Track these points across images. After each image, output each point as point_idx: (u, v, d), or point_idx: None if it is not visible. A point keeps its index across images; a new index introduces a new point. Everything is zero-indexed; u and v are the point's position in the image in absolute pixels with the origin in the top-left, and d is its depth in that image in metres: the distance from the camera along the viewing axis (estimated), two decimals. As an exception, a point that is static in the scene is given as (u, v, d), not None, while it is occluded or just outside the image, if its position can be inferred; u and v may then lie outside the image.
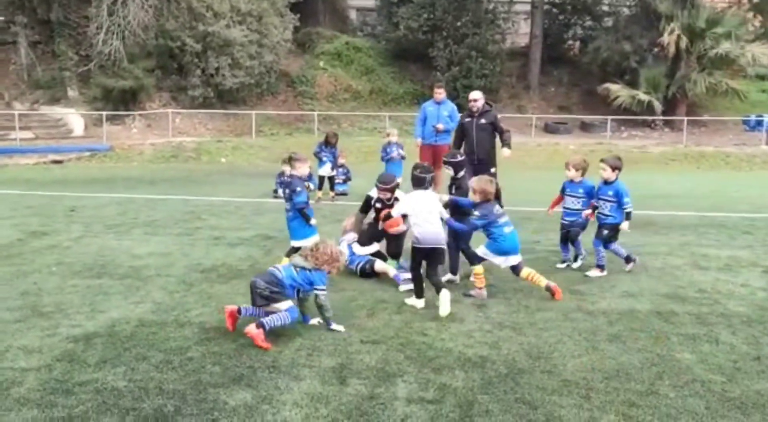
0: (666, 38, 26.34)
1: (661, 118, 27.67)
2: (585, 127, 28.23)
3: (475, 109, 9.48)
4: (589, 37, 31.18)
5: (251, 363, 4.36)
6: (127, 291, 6.06)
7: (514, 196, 11.25)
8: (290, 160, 7.05)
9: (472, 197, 6.11)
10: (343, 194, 12.83)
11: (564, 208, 7.24)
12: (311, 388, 4.00)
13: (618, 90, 27.31)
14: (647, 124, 28.07)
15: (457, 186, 6.62)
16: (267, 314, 4.86)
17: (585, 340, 4.87)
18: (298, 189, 6.45)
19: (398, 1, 29.57)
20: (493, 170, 9.10)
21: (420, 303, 5.71)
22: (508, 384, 4.09)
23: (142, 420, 3.59)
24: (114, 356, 4.47)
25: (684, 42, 26.40)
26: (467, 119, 9.61)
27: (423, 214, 5.76)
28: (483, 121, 9.43)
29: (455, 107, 12.25)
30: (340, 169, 12.97)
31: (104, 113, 22.89)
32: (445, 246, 5.90)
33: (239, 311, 4.99)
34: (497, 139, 9.74)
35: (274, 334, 4.88)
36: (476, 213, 6.01)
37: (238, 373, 4.21)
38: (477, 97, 9.58)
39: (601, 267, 6.81)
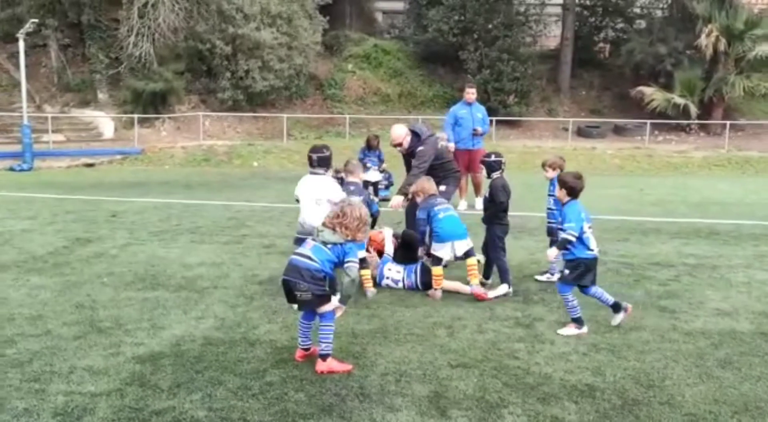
0: (703, 40, 25.64)
1: (697, 122, 26.97)
2: (618, 131, 27.60)
3: (403, 152, 7.32)
4: (620, 40, 30.54)
5: (337, 390, 4.00)
6: (185, 305, 5.73)
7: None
8: (346, 166, 6.84)
9: (419, 201, 6.35)
10: (386, 199, 12.44)
11: None
12: (410, 421, 3.62)
13: (652, 93, 26.63)
14: (682, 128, 27.38)
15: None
16: (312, 317, 4.44)
17: (694, 366, 4.45)
18: (373, 197, 6.15)
19: (427, 4, 29.18)
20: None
21: None
22: (627, 417, 3.69)
23: (233, 457, 3.24)
24: (187, 380, 4.13)
25: (722, 44, 25.72)
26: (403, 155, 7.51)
27: (305, 201, 5.84)
28: (413, 160, 7.17)
29: (485, 108, 11.92)
30: (383, 174, 12.60)
31: (136, 116, 22.74)
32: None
33: (306, 349, 4.51)
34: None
35: (353, 356, 4.52)
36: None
37: (326, 402, 3.84)
38: (398, 140, 7.13)
39: (576, 321, 5.09)
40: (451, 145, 11.38)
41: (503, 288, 6.09)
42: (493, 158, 6.49)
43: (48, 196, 13.10)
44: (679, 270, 7.12)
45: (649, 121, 25.52)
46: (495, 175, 6.36)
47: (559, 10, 30.36)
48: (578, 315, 5.10)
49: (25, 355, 4.51)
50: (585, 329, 5.09)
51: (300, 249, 4.37)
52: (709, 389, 4.08)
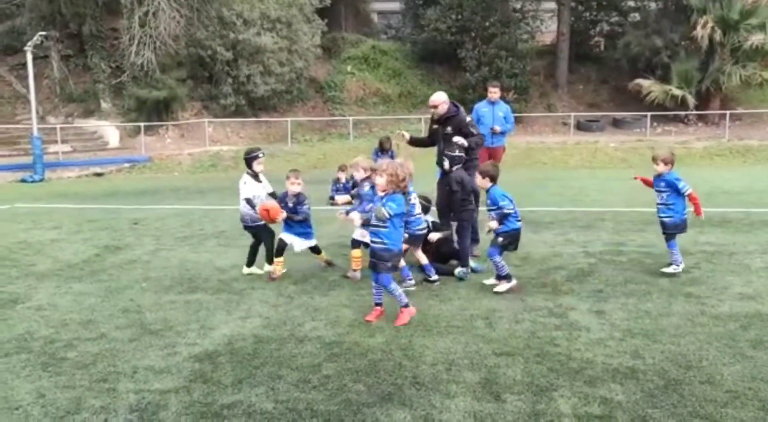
0: (699, 31, 25.93)
1: (695, 112, 27.26)
2: (617, 124, 27.89)
3: (435, 118, 7.55)
4: (616, 33, 30.81)
5: (393, 380, 4.20)
6: (228, 306, 5.93)
7: (586, 197, 11.08)
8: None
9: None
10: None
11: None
12: (468, 406, 3.83)
13: (650, 85, 26.91)
14: (680, 119, 27.67)
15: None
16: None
17: (727, 347, 4.66)
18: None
19: (424, 3, 29.44)
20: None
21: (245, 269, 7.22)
22: (673, 396, 3.90)
23: (308, 444, 3.44)
24: (247, 375, 4.33)
25: (717, 34, 26.00)
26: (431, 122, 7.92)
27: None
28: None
29: (509, 107, 12.07)
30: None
31: (142, 124, 22.91)
32: (248, 224, 7.13)
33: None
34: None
35: (401, 348, 4.74)
36: None
37: (384, 391, 4.05)
38: (437, 102, 7.36)
39: (501, 277, 6.15)
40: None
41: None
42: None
43: (66, 205, 13.28)
44: (698, 258, 7.34)
45: (648, 113, 25.76)
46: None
47: (554, 5, 30.62)
48: (502, 273, 6.14)
49: (87, 358, 4.70)
50: (513, 282, 6.15)
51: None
52: (745, 368, 4.29)
